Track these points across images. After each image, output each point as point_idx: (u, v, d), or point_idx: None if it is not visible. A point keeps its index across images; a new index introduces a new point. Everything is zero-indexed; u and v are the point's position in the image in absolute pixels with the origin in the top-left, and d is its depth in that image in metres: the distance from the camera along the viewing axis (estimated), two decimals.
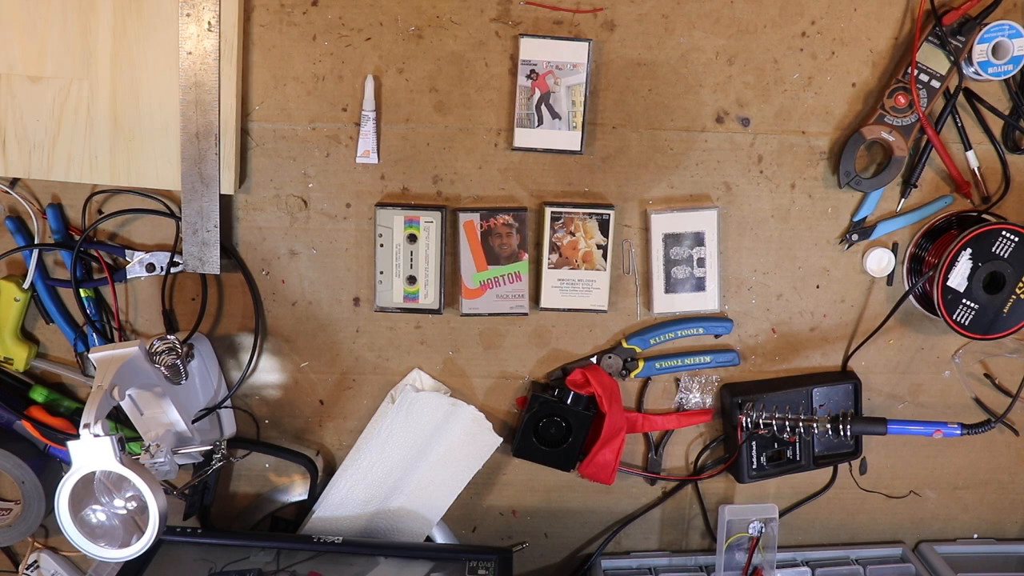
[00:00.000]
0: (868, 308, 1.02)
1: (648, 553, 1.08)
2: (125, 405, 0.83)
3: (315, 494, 1.02)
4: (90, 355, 0.85)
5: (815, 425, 0.94)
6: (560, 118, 0.93)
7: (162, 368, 0.85)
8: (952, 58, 0.92)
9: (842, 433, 0.92)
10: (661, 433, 1.04)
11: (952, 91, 0.95)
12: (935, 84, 0.93)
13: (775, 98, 0.95)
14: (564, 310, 0.98)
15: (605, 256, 0.96)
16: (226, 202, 0.95)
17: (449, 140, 0.94)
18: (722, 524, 1.02)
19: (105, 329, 0.97)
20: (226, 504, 1.05)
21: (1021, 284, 0.94)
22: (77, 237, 0.94)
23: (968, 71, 0.94)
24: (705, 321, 1.00)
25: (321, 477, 1.03)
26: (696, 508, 1.08)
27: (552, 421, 0.99)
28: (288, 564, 0.94)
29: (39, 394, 0.98)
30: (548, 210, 0.95)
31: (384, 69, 0.93)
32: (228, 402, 0.99)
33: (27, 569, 1.03)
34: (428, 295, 0.96)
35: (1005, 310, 0.94)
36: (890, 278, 1.01)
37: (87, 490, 0.76)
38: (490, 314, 0.97)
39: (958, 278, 0.93)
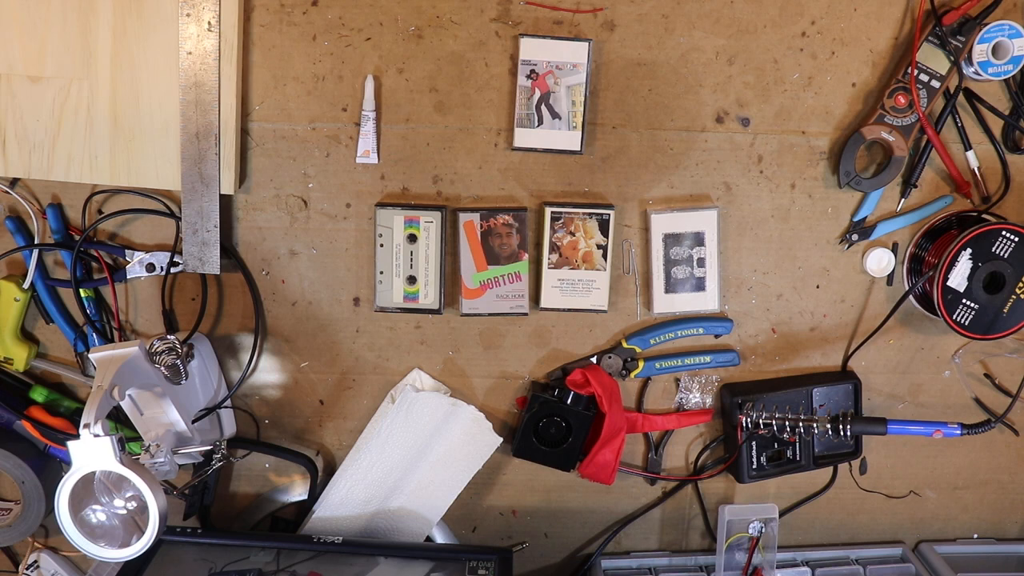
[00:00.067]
0: (868, 308, 1.02)
1: (648, 553, 1.08)
2: (125, 405, 0.83)
3: (315, 494, 1.02)
4: (90, 355, 0.85)
5: (815, 425, 0.94)
6: (560, 118, 0.93)
7: (162, 368, 0.85)
8: (952, 58, 0.92)
9: (842, 433, 0.92)
10: (661, 433, 1.04)
11: (952, 91, 0.95)
12: (935, 84, 0.93)
13: (775, 98, 0.95)
14: (564, 310, 0.98)
15: (605, 256, 0.96)
16: (226, 202, 0.95)
17: (449, 140, 0.94)
18: (722, 524, 1.02)
19: (105, 329, 0.97)
20: (226, 504, 1.05)
21: (1021, 284, 0.94)
22: (77, 237, 0.94)
23: (968, 71, 0.94)
24: (705, 321, 1.00)
25: (321, 477, 1.03)
26: (696, 508, 1.08)
27: (552, 421, 0.99)
28: (288, 564, 0.94)
29: (39, 394, 0.98)
30: (548, 210, 0.95)
31: (384, 69, 0.93)
32: (228, 402, 0.99)
33: (27, 569, 1.03)
34: (428, 295, 0.96)
35: (1005, 310, 0.94)
36: (890, 278, 1.01)
37: (87, 490, 0.76)
38: (490, 314, 0.97)
39: (958, 278, 0.93)
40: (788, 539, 1.09)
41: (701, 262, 0.97)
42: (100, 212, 0.95)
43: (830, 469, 1.06)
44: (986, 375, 1.05)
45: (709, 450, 1.05)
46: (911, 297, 0.99)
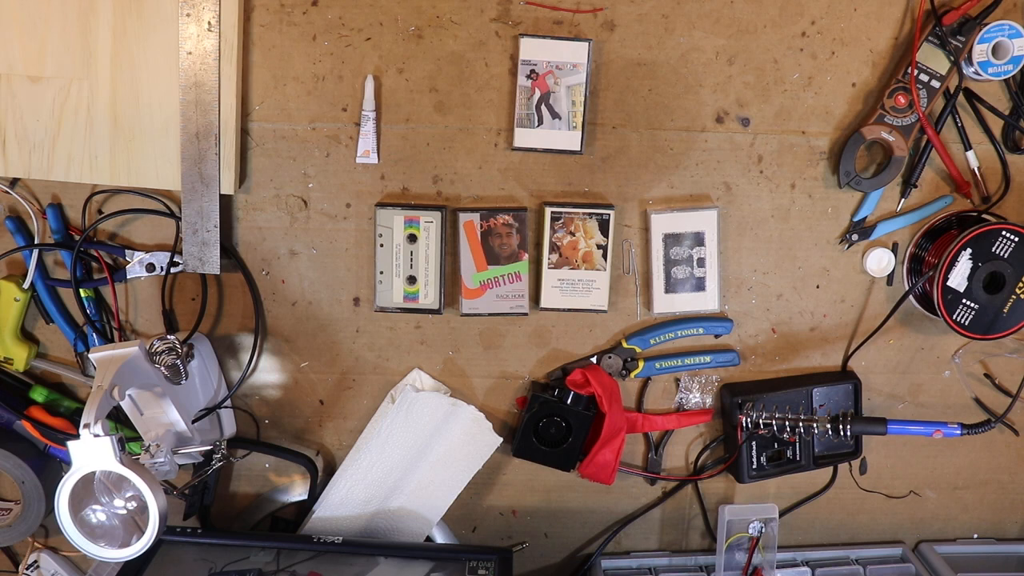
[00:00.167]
0: (868, 308, 1.02)
1: (648, 553, 1.08)
2: (125, 405, 0.83)
3: (315, 494, 1.02)
4: (90, 355, 0.85)
5: (815, 425, 0.94)
6: (560, 118, 0.93)
7: (162, 368, 0.85)
8: (952, 58, 0.92)
9: (842, 433, 0.92)
10: (661, 433, 1.04)
11: (952, 91, 0.95)
12: (935, 84, 0.93)
13: (775, 98, 0.95)
14: (564, 310, 0.98)
15: (605, 256, 0.96)
16: (226, 202, 0.95)
17: (449, 140, 0.94)
18: (722, 524, 1.02)
19: (105, 329, 0.97)
20: (226, 504, 1.05)
21: (1021, 284, 0.94)
22: (77, 237, 0.94)
23: (968, 71, 0.94)
24: (705, 321, 1.00)
25: (321, 477, 1.03)
26: (696, 508, 1.08)
27: (552, 421, 0.99)
28: (288, 564, 0.94)
29: (39, 394, 0.98)
30: (548, 210, 0.95)
31: (384, 69, 0.93)
32: (228, 402, 0.99)
33: (27, 569, 1.03)
34: (428, 295, 0.96)
35: (1005, 310, 0.94)
36: (890, 278, 1.01)
37: (87, 490, 0.76)
38: (490, 314, 0.97)
39: (958, 278, 0.93)
40: (788, 539, 1.09)
41: (701, 262, 0.97)
42: (100, 212, 0.95)
43: (830, 469, 1.06)
44: (986, 375, 1.05)
45: (709, 450, 1.05)
46: (911, 297, 0.99)
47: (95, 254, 0.95)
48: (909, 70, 0.92)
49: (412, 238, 0.95)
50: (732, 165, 0.97)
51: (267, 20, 0.91)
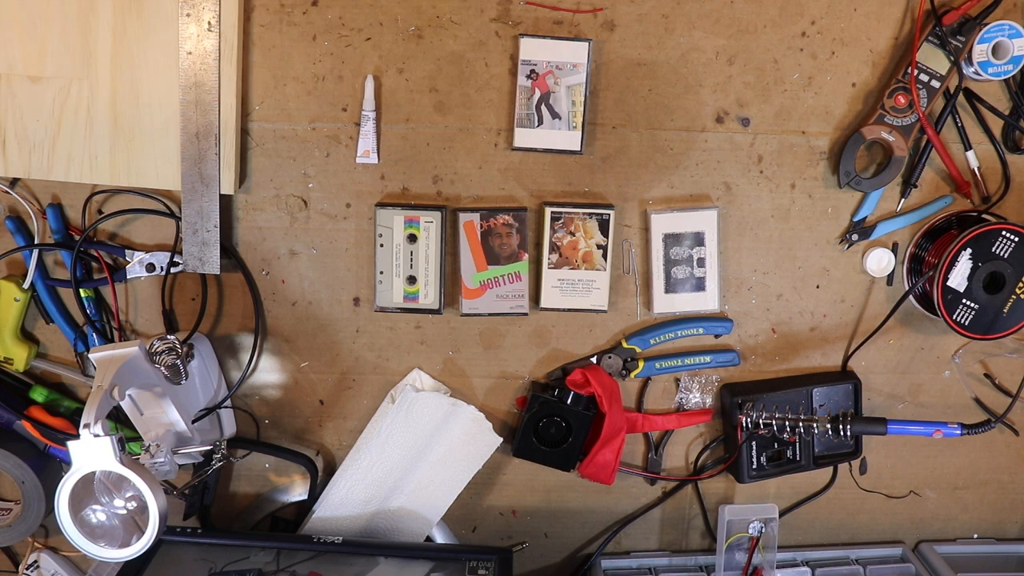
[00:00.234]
0: (868, 308, 1.02)
1: (648, 553, 1.08)
2: (125, 405, 0.83)
3: (315, 494, 1.02)
4: (90, 355, 0.85)
5: (815, 425, 0.94)
6: (560, 118, 0.93)
7: (162, 368, 0.85)
8: (952, 58, 0.92)
9: (842, 433, 0.92)
10: (661, 433, 1.04)
11: (952, 91, 0.95)
12: (935, 84, 0.93)
13: (775, 98, 0.95)
14: (564, 310, 0.98)
15: (605, 256, 0.96)
16: (226, 202, 0.95)
17: (449, 140, 0.94)
18: (722, 524, 1.02)
19: (105, 329, 0.97)
20: (226, 504, 1.05)
21: (1021, 284, 0.94)
22: (77, 237, 0.94)
23: (968, 71, 0.94)
24: (705, 321, 1.00)
25: (321, 477, 1.03)
26: (696, 508, 1.08)
27: (552, 421, 0.99)
28: (288, 564, 0.94)
29: (39, 394, 0.98)
30: (548, 210, 0.95)
31: (384, 69, 0.93)
32: (228, 402, 0.99)
33: (27, 569, 1.03)
34: (428, 295, 0.96)
35: (1005, 310, 0.94)
36: (890, 278, 1.01)
37: (87, 490, 0.76)
38: (490, 314, 0.97)
39: (958, 278, 0.93)
40: (788, 539, 1.09)
41: (701, 262, 0.97)
42: (100, 212, 0.95)
43: (830, 469, 1.06)
44: (986, 375, 1.05)
45: (709, 450, 1.05)
46: (911, 297, 0.99)
47: (95, 254, 0.95)
48: (909, 70, 0.92)
49: (412, 238, 0.95)
50: (732, 165, 0.97)
51: (267, 20, 0.91)
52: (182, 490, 0.93)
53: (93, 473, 0.74)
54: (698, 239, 0.97)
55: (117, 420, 0.93)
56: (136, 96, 0.89)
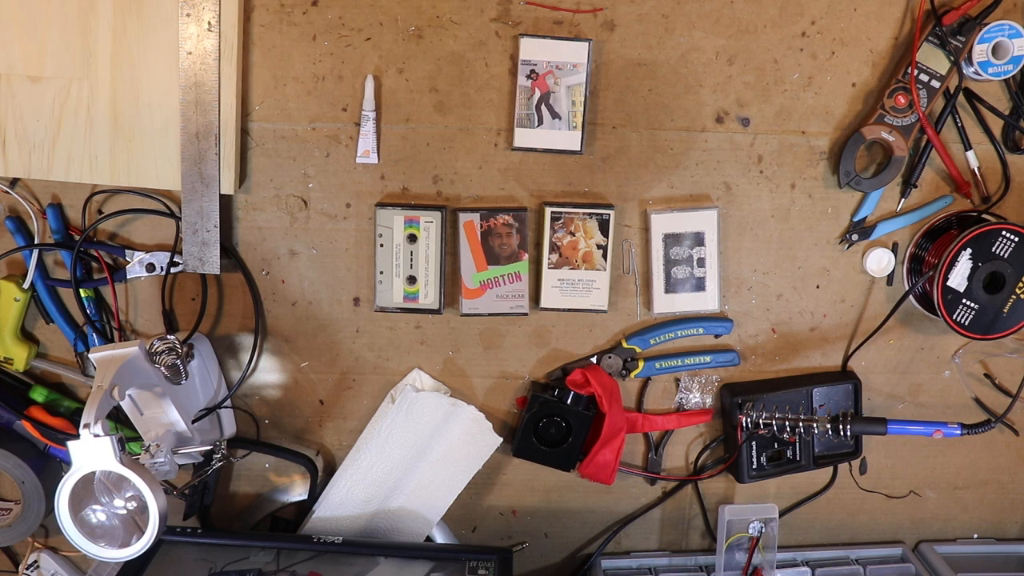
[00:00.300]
0: (868, 308, 1.02)
1: (648, 553, 1.08)
2: (125, 405, 0.83)
3: (315, 494, 1.02)
4: (90, 355, 0.85)
5: (815, 425, 0.94)
6: (560, 118, 0.93)
7: (162, 368, 0.85)
8: (952, 58, 0.92)
9: (842, 433, 0.92)
10: (661, 433, 1.04)
11: (952, 91, 0.95)
12: (935, 84, 0.93)
13: (775, 98, 0.95)
14: (564, 310, 0.98)
15: (605, 256, 0.96)
16: (226, 202, 0.95)
17: (449, 140, 0.94)
18: (722, 524, 1.02)
19: (105, 329, 0.97)
20: (226, 504, 1.05)
21: (1021, 284, 0.94)
22: (77, 237, 0.94)
23: (968, 71, 0.94)
24: (705, 321, 1.00)
25: (321, 477, 1.03)
26: (696, 508, 1.08)
27: (552, 421, 0.99)
28: (288, 564, 0.94)
29: (39, 394, 0.98)
30: (548, 210, 0.95)
31: (384, 69, 0.93)
32: (228, 402, 0.99)
33: (27, 569, 1.03)
34: (428, 295, 0.96)
35: (1005, 310, 0.94)
36: (890, 278, 1.01)
37: (87, 490, 0.76)
38: (490, 314, 0.97)
39: (958, 278, 0.93)
40: (788, 539, 1.09)
41: (701, 262, 0.97)
42: (100, 212, 0.95)
43: (830, 469, 1.06)
44: (986, 375, 1.05)
45: (709, 450, 1.05)
46: (911, 297, 0.99)
47: (95, 254, 0.95)
48: (909, 70, 0.92)
49: (412, 238, 0.95)
50: (732, 165, 0.97)
51: (267, 20, 0.91)
52: (182, 490, 0.93)
53: (93, 473, 0.74)
54: (698, 239, 0.97)
55: (117, 420, 0.93)
56: (136, 96, 0.89)
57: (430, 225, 0.94)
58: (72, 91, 0.89)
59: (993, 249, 0.93)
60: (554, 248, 0.96)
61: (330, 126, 0.94)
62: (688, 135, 0.96)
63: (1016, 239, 0.93)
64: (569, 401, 0.98)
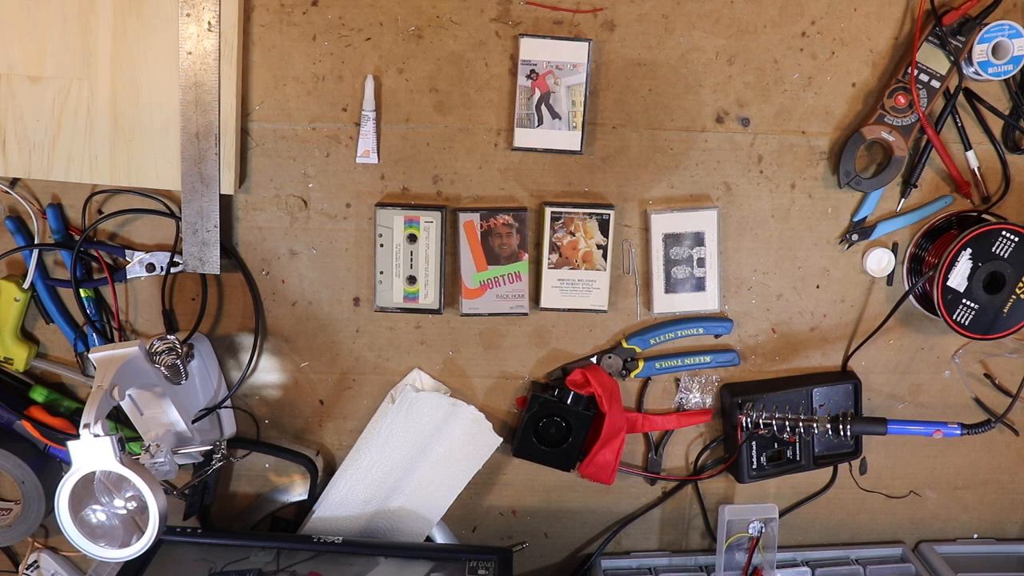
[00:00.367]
0: (868, 308, 1.02)
1: (648, 553, 1.08)
2: (125, 405, 0.83)
3: (315, 494, 1.02)
4: (90, 355, 0.85)
5: (815, 425, 0.94)
6: (560, 118, 0.93)
7: (162, 368, 0.85)
8: (952, 58, 0.92)
9: (842, 433, 0.92)
10: (661, 433, 1.04)
11: (952, 91, 0.95)
12: (935, 84, 0.93)
13: (775, 98, 0.95)
14: (564, 310, 0.98)
15: (605, 256, 0.96)
16: (226, 202, 0.95)
17: (449, 140, 0.94)
18: (722, 524, 1.02)
19: (105, 329, 0.97)
20: (226, 504, 1.05)
21: (1021, 284, 0.94)
22: (77, 237, 0.94)
23: (968, 71, 0.94)
24: (705, 321, 1.00)
25: (321, 477, 1.03)
26: (696, 508, 1.08)
27: (552, 421, 0.99)
28: (288, 564, 0.94)
29: (39, 394, 0.98)
30: (548, 210, 0.95)
31: (384, 69, 0.93)
32: (228, 402, 0.99)
33: (27, 569, 1.03)
34: (428, 295, 0.96)
35: (1005, 310, 0.94)
36: (890, 278, 1.01)
37: (87, 490, 0.76)
38: (490, 314, 0.97)
39: (958, 278, 0.93)
40: (788, 539, 1.09)
41: (701, 262, 0.97)
42: (100, 212, 0.95)
43: (830, 469, 1.06)
44: (986, 375, 1.05)
45: (709, 450, 1.05)
46: (911, 297, 0.99)
47: (95, 254, 0.95)
48: (909, 70, 0.92)
49: (412, 238, 0.95)
50: (732, 165, 0.97)
51: (267, 20, 0.91)
52: (182, 490, 0.93)
53: (93, 473, 0.74)
54: (698, 239, 0.97)
55: (117, 420, 0.93)
56: (136, 96, 0.89)
57: (430, 225, 0.94)
58: (72, 91, 0.89)
59: (993, 249, 0.93)
60: (554, 248, 0.96)
61: (330, 126, 0.94)
62: (688, 135, 0.96)
63: (1016, 239, 0.93)
64: (569, 401, 0.98)
